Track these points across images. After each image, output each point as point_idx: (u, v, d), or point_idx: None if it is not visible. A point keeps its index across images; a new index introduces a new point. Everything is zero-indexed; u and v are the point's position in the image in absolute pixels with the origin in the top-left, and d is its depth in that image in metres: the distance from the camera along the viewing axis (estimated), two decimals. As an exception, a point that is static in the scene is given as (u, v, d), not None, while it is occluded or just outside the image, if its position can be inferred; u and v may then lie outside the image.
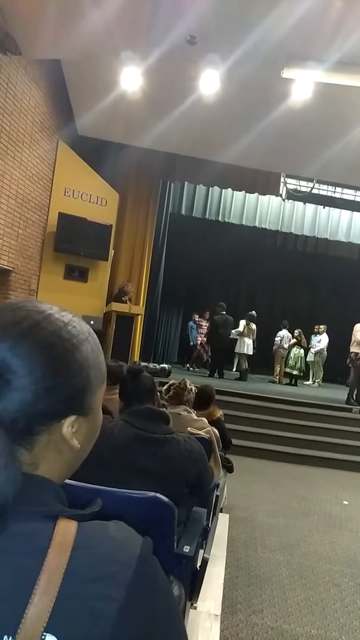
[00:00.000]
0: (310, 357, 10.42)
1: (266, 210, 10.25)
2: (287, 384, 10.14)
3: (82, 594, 0.47)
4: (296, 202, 10.21)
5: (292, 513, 4.20)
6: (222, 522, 3.65)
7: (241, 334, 9.32)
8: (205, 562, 1.90)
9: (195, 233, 10.76)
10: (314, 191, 9.35)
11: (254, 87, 5.71)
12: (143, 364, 7.54)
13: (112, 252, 7.94)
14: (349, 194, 9.62)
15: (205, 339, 10.43)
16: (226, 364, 9.89)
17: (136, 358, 8.43)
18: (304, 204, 10.24)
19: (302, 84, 5.53)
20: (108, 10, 4.65)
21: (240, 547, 3.30)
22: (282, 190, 9.29)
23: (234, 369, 10.16)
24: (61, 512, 0.53)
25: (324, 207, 10.25)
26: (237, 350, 9.49)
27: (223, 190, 9.77)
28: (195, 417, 2.92)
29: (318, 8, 4.30)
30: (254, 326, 9.45)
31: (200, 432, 2.67)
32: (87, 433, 0.60)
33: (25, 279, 6.75)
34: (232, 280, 13.01)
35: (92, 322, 6.75)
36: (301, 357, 10.30)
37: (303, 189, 9.44)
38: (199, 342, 10.57)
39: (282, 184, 9.12)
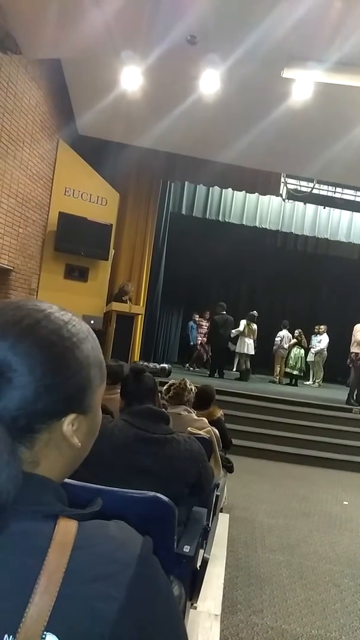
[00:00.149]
0: (310, 357, 10.42)
1: (266, 210, 10.25)
2: (287, 384, 10.14)
3: (83, 594, 0.47)
4: (296, 202, 10.21)
5: (293, 513, 4.20)
6: (222, 522, 3.65)
7: (241, 334, 9.32)
8: (205, 562, 1.90)
9: (196, 233, 10.76)
10: (314, 191, 9.35)
11: (254, 87, 5.71)
12: (143, 363, 7.54)
13: (112, 251, 7.94)
14: (349, 194, 9.62)
15: (205, 339, 10.44)
16: (226, 364, 9.89)
17: (136, 358, 8.43)
18: (304, 204, 10.24)
19: (302, 84, 5.53)
20: (108, 10, 4.66)
21: (241, 547, 3.30)
22: (283, 190, 9.30)
23: (234, 369, 10.16)
24: (61, 511, 0.53)
25: (324, 207, 10.25)
26: (237, 350, 9.48)
27: (223, 190, 9.77)
28: (196, 417, 2.92)
29: (318, 8, 4.30)
30: (254, 326, 9.44)
31: (201, 432, 2.67)
32: (87, 431, 0.60)
33: (25, 278, 6.75)
34: (232, 280, 13.01)
35: (92, 322, 6.76)
36: (301, 357, 10.30)
37: (303, 189, 9.44)
38: (199, 342, 10.57)
39: (282, 184, 9.13)
